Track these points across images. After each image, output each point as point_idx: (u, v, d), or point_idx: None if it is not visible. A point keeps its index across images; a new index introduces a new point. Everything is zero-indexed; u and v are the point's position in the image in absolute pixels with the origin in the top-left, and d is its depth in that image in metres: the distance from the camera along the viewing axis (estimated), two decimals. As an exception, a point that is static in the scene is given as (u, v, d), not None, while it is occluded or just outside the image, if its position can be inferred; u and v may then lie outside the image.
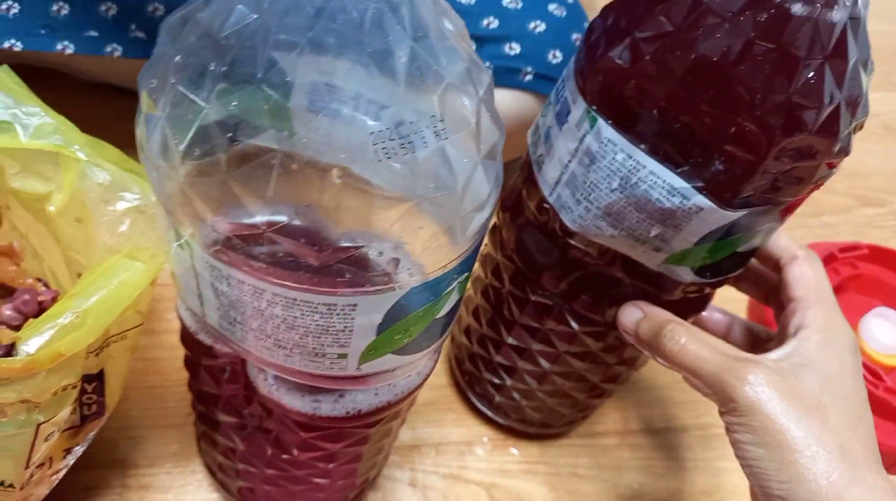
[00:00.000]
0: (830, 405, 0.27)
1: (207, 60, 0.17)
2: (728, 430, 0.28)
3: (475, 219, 0.19)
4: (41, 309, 0.30)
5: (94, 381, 0.28)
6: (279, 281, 0.19)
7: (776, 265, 0.31)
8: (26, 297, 0.29)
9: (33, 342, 0.23)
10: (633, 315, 0.30)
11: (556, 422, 0.42)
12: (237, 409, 0.29)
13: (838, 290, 0.50)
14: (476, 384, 0.42)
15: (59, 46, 0.41)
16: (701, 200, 0.24)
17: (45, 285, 0.32)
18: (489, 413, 0.43)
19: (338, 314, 0.20)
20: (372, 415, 0.27)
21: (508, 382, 0.39)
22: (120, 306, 0.25)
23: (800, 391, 0.27)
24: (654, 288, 0.30)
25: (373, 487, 0.40)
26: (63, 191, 0.27)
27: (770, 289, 0.33)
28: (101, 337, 0.26)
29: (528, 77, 0.46)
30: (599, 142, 0.26)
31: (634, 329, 0.30)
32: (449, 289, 0.22)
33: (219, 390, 0.29)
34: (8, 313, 0.29)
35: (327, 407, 0.26)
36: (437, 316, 0.23)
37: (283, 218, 0.17)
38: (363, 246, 0.18)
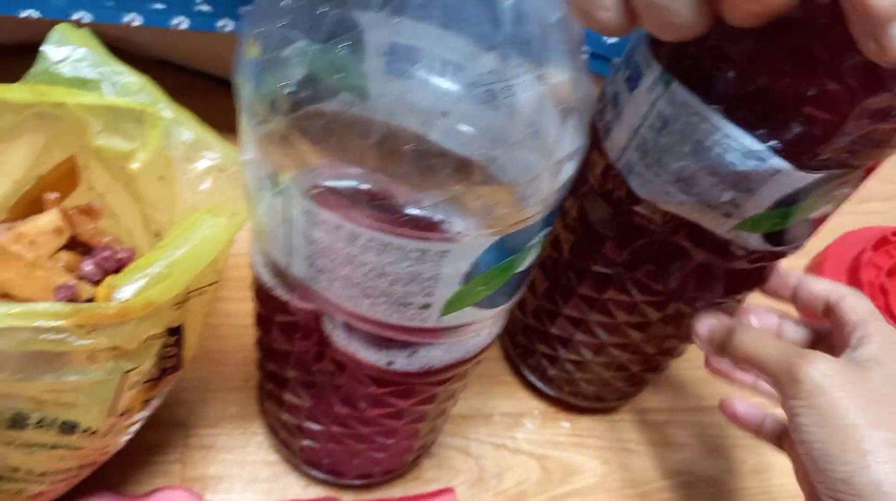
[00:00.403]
0: (886, 397, 0.27)
1: (317, 4, 0.18)
2: (791, 415, 0.28)
3: (565, 169, 0.20)
4: (119, 266, 0.31)
5: (175, 334, 0.29)
6: (375, 224, 0.20)
7: (825, 309, 0.32)
8: (107, 253, 0.30)
9: (126, 289, 0.24)
10: (708, 322, 0.33)
11: (608, 396, 0.42)
12: (308, 365, 0.30)
13: (892, 272, 0.50)
14: (529, 356, 0.43)
15: (127, 18, 0.42)
16: (777, 162, 0.25)
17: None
18: (541, 386, 0.43)
19: (428, 261, 0.21)
20: (442, 372, 0.28)
21: (563, 354, 0.40)
22: (204, 260, 0.26)
23: (866, 382, 0.27)
24: (718, 256, 0.31)
25: (427, 454, 0.41)
26: (147, 149, 0.28)
27: (819, 337, 0.34)
28: (184, 290, 0.27)
29: (583, 57, 0.46)
30: (673, 105, 0.26)
31: (709, 336, 0.32)
32: (531, 243, 0.22)
33: (291, 346, 0.30)
34: (88, 268, 0.30)
35: (401, 362, 0.27)
36: (517, 270, 0.23)
37: (383, 163, 0.18)
38: (460, 190, 0.18)
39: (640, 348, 0.37)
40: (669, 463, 0.43)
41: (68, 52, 0.27)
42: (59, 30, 0.27)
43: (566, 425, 0.43)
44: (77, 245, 0.32)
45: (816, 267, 0.53)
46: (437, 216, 0.19)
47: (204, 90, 0.49)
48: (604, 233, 0.33)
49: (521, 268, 0.24)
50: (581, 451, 0.42)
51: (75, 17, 0.42)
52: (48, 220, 0.30)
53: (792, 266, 0.55)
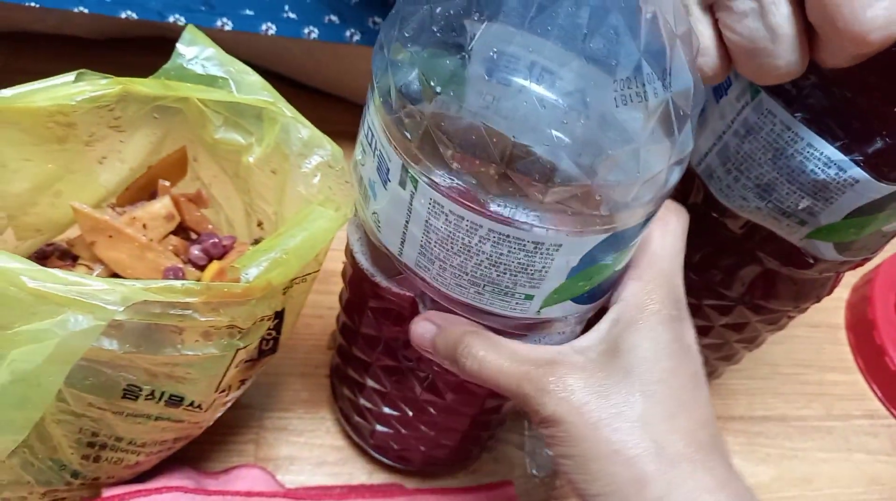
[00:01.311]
0: (643, 395, 0.24)
1: (464, 11, 0.20)
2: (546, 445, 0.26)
3: (676, 171, 0.22)
4: (223, 252, 0.34)
5: (277, 318, 0.31)
6: (498, 217, 0.22)
7: None
8: (213, 240, 0.33)
9: (251, 271, 0.27)
10: (427, 330, 0.28)
11: None
12: (395, 351, 0.33)
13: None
14: None
15: (219, 23, 0.45)
16: (858, 172, 0.27)
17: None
18: None
19: (542, 253, 0.23)
20: None
21: None
22: (315, 248, 0.29)
23: (606, 387, 0.24)
24: (787, 265, 0.33)
25: (487, 449, 0.43)
26: (264, 143, 0.30)
27: None
28: (291, 278, 0.30)
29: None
30: (759, 114, 0.28)
31: (431, 345, 0.28)
32: (634, 242, 0.25)
33: (380, 332, 0.32)
34: (196, 253, 0.33)
35: None
36: (616, 268, 0.26)
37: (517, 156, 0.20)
38: (588, 183, 0.21)
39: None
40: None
41: (198, 51, 0.30)
42: (191, 30, 0.30)
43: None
44: (182, 230, 0.35)
45: (867, 284, 0.55)
46: (569, 207, 0.22)
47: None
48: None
49: (620, 266, 0.26)
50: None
51: (171, 19, 0.45)
52: (161, 205, 0.33)
53: (844, 282, 0.57)
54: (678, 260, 0.27)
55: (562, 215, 0.22)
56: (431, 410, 0.34)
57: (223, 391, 0.32)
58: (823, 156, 0.27)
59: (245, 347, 0.29)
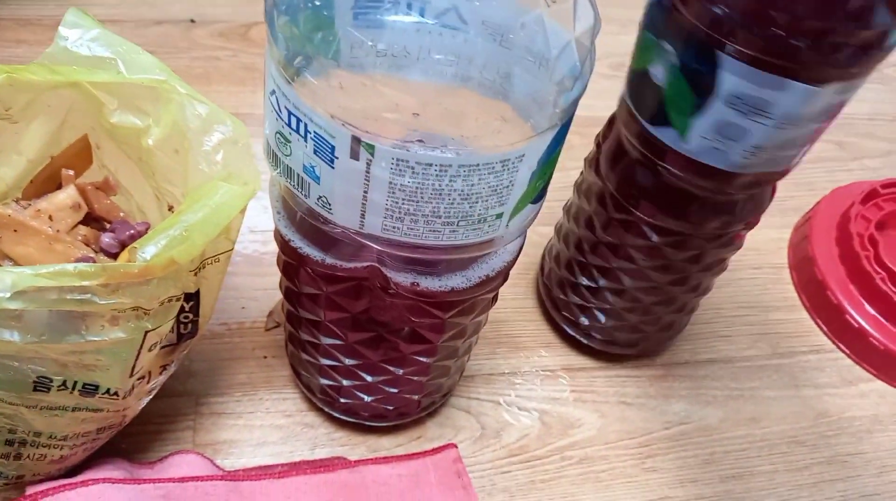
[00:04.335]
0: None
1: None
2: None
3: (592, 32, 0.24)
4: (136, 239, 0.34)
5: (192, 300, 0.32)
6: (465, 150, 0.23)
7: None
8: (124, 226, 0.34)
9: (149, 249, 0.28)
10: None
11: (641, 342, 0.47)
12: (363, 323, 0.34)
13: (881, 225, 0.54)
14: (563, 308, 0.47)
15: None
16: None
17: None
18: (576, 336, 0.48)
19: (508, 169, 0.25)
20: (493, 281, 0.33)
21: (594, 303, 0.44)
22: (220, 225, 0.30)
23: None
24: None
25: (432, 415, 0.45)
26: (162, 124, 0.31)
27: None
28: (199, 256, 0.31)
29: None
30: None
31: None
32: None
33: (342, 313, 0.34)
34: (107, 241, 0.33)
35: (459, 281, 0.31)
36: (553, 167, 0.28)
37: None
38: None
39: (664, 289, 0.42)
40: (667, 415, 0.47)
41: (82, 32, 0.30)
42: (73, 12, 0.31)
43: (564, 383, 0.47)
44: (93, 220, 0.35)
45: (806, 223, 0.57)
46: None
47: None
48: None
49: (559, 154, 0.28)
50: (579, 406, 0.46)
51: None
52: (66, 195, 0.33)
53: (783, 223, 0.59)
54: None
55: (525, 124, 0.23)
56: (392, 370, 0.37)
57: (141, 377, 0.33)
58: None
59: (154, 329, 0.30)
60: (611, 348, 0.48)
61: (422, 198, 0.26)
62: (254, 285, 0.49)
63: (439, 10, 0.22)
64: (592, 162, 0.41)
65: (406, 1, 0.22)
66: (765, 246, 0.58)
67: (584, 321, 0.46)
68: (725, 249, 0.40)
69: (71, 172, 0.34)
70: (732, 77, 0.30)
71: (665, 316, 0.45)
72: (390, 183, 0.25)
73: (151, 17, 0.66)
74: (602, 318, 0.45)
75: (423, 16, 0.22)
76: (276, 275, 0.49)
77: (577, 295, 0.46)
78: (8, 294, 0.24)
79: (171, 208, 0.35)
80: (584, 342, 0.48)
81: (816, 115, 0.31)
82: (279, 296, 0.48)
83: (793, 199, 0.61)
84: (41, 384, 0.30)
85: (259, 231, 0.52)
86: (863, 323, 0.51)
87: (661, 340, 0.48)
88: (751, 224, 0.39)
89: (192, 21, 0.67)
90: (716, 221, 0.37)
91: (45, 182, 0.36)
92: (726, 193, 0.35)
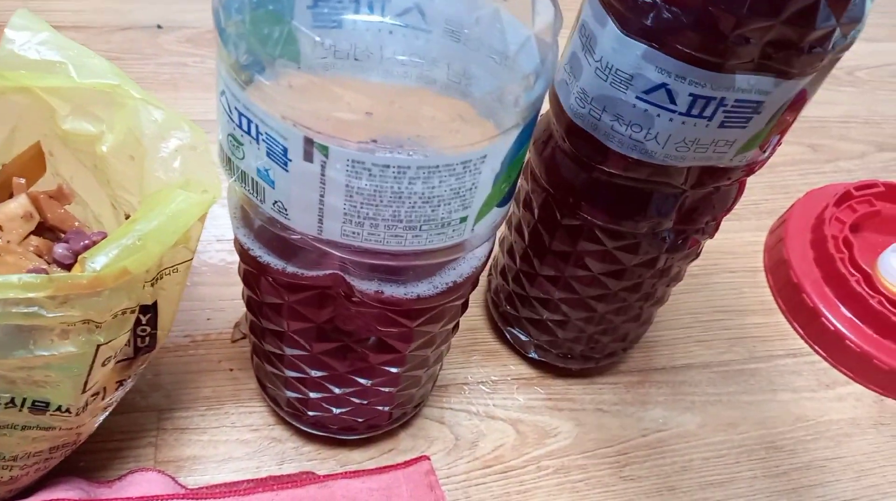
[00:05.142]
0: None
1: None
2: None
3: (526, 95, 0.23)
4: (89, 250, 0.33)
5: (149, 312, 0.31)
6: (422, 151, 0.22)
7: None
8: (78, 236, 0.33)
9: (99, 260, 0.26)
10: None
11: (595, 354, 0.46)
12: (327, 333, 0.33)
13: (855, 227, 0.55)
14: (514, 323, 0.46)
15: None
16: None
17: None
18: (528, 352, 0.47)
19: (470, 171, 0.24)
20: (461, 288, 0.32)
21: (546, 315, 0.43)
22: (176, 233, 0.29)
23: None
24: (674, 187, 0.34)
25: (404, 426, 0.44)
26: (116, 130, 0.30)
27: None
28: (156, 266, 0.30)
29: None
30: None
31: None
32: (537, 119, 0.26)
33: (305, 322, 0.33)
34: (60, 251, 0.32)
35: (425, 288, 0.31)
36: (524, 159, 0.27)
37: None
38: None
39: (621, 295, 0.41)
40: (644, 422, 0.46)
41: (30, 35, 0.29)
42: (21, 14, 0.30)
43: (540, 390, 0.47)
44: (47, 230, 0.34)
45: (782, 225, 0.57)
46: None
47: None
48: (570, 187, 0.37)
49: (520, 168, 0.27)
50: (555, 414, 0.46)
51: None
52: (17, 205, 0.32)
53: (759, 226, 0.59)
54: None
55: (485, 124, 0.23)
56: (359, 381, 0.36)
57: (96, 393, 0.32)
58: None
59: (107, 342, 0.29)
60: (564, 361, 0.47)
61: (381, 201, 0.25)
62: (220, 296, 0.48)
63: (400, 10, 0.22)
64: (525, 169, 0.40)
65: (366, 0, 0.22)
66: (740, 249, 0.58)
67: (537, 334, 0.46)
68: (679, 253, 0.39)
69: (22, 181, 0.33)
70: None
71: (620, 326, 0.44)
72: (347, 186, 0.24)
73: (117, 23, 0.65)
74: (557, 331, 0.44)
75: (382, 15, 0.22)
76: (241, 285, 0.49)
77: (527, 308, 0.45)
78: (-56, 307, 0.23)
79: (127, 217, 0.34)
80: (536, 357, 0.47)
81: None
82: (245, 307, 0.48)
83: (767, 202, 0.61)
84: (-12, 403, 0.29)
85: (226, 240, 0.51)
86: (839, 326, 0.51)
87: (616, 350, 0.47)
88: (703, 231, 0.39)
89: (159, 27, 0.65)
90: (653, 219, 0.36)
91: (-2, 191, 0.34)
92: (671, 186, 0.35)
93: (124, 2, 0.67)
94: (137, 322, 0.32)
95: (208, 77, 0.62)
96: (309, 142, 0.23)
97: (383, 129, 0.23)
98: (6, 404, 0.29)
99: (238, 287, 0.48)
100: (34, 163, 0.34)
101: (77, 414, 0.31)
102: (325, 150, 0.23)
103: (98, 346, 0.28)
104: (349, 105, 0.22)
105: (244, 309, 0.47)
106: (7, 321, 0.25)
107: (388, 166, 0.23)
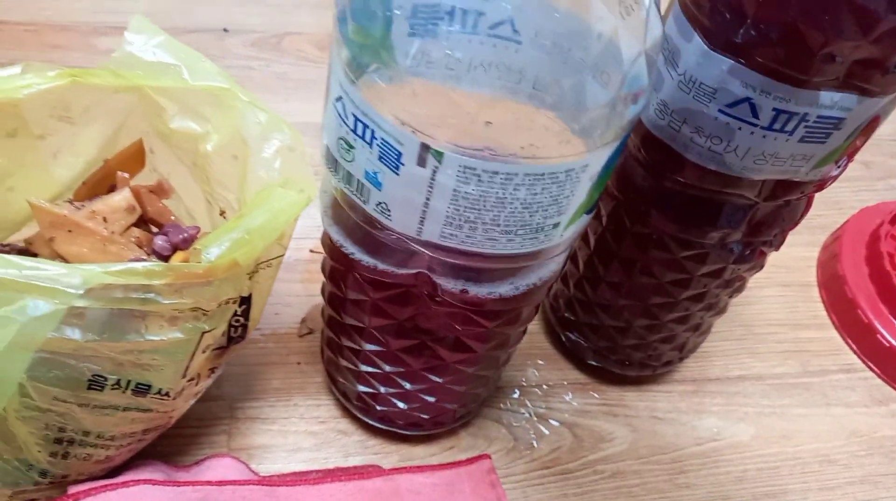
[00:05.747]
0: None
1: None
2: None
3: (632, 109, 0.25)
4: (187, 242, 0.35)
5: (244, 304, 0.33)
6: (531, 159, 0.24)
7: None
8: (176, 229, 0.34)
9: (213, 250, 0.28)
10: None
11: (653, 362, 0.47)
12: (407, 330, 0.35)
13: (910, 246, 0.55)
14: (574, 328, 0.48)
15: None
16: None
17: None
18: (588, 358, 0.48)
19: (571, 180, 0.26)
20: (537, 291, 0.33)
21: (606, 320, 0.45)
22: (278, 230, 0.30)
23: None
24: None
25: (465, 425, 0.45)
26: (222, 130, 0.32)
27: None
28: (254, 260, 0.32)
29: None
30: None
31: None
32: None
33: (387, 319, 0.35)
34: (160, 243, 0.34)
35: (507, 289, 0.32)
36: (607, 181, 0.29)
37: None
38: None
39: (684, 306, 0.42)
40: (698, 430, 0.47)
41: (147, 38, 0.32)
42: (138, 19, 0.32)
43: (595, 396, 0.48)
44: (144, 223, 0.36)
45: (836, 241, 0.58)
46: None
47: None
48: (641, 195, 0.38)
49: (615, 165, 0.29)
50: (610, 420, 0.47)
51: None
52: (121, 198, 0.34)
53: (812, 241, 0.60)
54: None
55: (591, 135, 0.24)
56: (433, 378, 0.37)
57: (192, 379, 0.34)
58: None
59: (210, 330, 0.31)
60: (622, 369, 0.48)
61: (484, 206, 0.26)
62: (288, 292, 0.50)
63: (498, 23, 0.23)
64: None
65: (476, 11, 0.23)
66: (794, 264, 0.58)
67: (597, 340, 0.47)
68: (745, 264, 0.40)
69: (126, 175, 0.35)
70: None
71: (680, 335, 0.45)
72: (454, 191, 0.26)
73: (184, 25, 0.68)
74: (617, 337, 0.45)
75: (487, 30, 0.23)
76: (308, 282, 0.50)
77: (588, 314, 0.46)
78: (80, 291, 0.25)
79: (222, 213, 0.36)
80: (594, 363, 0.48)
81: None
82: (312, 302, 0.49)
83: (820, 217, 0.62)
84: (96, 383, 0.30)
85: (293, 238, 0.53)
86: (893, 342, 0.51)
87: (673, 359, 0.48)
88: (770, 243, 0.39)
89: (226, 30, 0.68)
90: (724, 230, 0.37)
91: (98, 184, 0.36)
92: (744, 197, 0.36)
93: (191, 3, 0.70)
94: (234, 313, 0.33)
95: (273, 81, 0.64)
96: (425, 147, 0.25)
97: (495, 137, 0.24)
98: (112, 385, 0.30)
99: (303, 284, 0.50)
100: (135, 158, 0.36)
101: (174, 398, 0.33)
102: (439, 156, 0.25)
103: (203, 333, 0.30)
104: (470, 115, 0.23)
105: (310, 305, 0.49)
106: (127, 305, 0.27)
107: (496, 173, 0.25)
